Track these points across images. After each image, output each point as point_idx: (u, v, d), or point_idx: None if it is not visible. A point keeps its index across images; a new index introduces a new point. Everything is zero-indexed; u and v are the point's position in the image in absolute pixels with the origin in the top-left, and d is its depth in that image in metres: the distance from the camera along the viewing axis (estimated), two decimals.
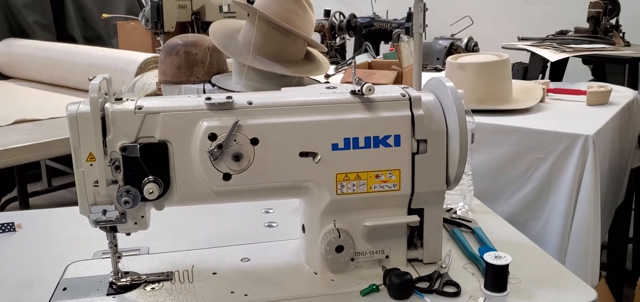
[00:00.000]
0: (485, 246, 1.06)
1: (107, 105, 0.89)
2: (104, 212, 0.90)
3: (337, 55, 3.26)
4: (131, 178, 0.88)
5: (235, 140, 0.88)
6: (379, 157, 0.93)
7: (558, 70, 2.47)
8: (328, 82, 2.09)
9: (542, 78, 2.44)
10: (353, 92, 0.94)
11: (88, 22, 4.05)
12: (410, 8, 3.02)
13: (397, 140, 0.93)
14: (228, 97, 0.90)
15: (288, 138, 0.90)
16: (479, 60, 1.69)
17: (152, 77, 2.44)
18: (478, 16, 2.91)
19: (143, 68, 2.79)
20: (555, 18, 3.25)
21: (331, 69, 2.50)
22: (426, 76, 1.65)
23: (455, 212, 1.22)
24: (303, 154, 0.91)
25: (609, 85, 1.79)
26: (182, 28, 3.46)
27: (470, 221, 1.16)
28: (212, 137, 0.88)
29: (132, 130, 0.88)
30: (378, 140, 0.92)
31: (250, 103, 0.91)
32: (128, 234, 0.96)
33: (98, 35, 4.05)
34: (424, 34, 1.34)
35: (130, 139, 0.88)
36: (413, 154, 0.94)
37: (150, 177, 0.89)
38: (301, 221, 1.03)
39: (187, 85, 2.16)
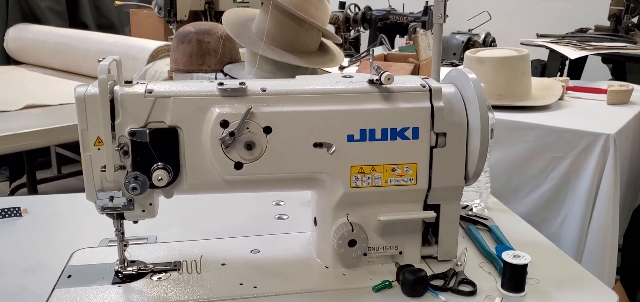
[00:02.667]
0: (503, 245, 1.02)
1: (116, 88, 0.86)
2: (111, 198, 0.88)
3: (351, 48, 3.22)
4: (140, 164, 0.86)
5: (247, 128, 0.85)
6: (396, 150, 0.89)
7: (576, 68, 2.42)
8: (343, 68, 2.05)
9: (561, 76, 2.39)
10: (371, 82, 0.90)
11: (101, 10, 4.04)
12: (427, 1, 2.97)
13: (416, 132, 0.89)
14: (241, 83, 0.87)
15: (302, 128, 0.87)
16: (498, 54, 1.65)
17: (163, 66, 2.42)
18: (495, 12, 2.86)
19: (155, 56, 2.77)
20: (573, 16, 3.19)
21: (345, 61, 2.47)
22: (443, 71, 1.61)
23: (471, 210, 1.18)
24: (317, 145, 0.88)
25: (631, 85, 1.75)
26: (195, 17, 3.44)
27: (487, 219, 1.12)
28: (224, 124, 0.85)
29: (141, 115, 0.85)
30: (395, 132, 0.89)
31: (263, 90, 0.88)
32: (135, 221, 0.93)
33: (111, 23, 4.04)
34: (443, 24, 1.30)
35: (139, 123, 0.85)
36: (431, 148, 0.90)
37: (159, 163, 0.86)
38: (313, 213, 1.00)
39: (198, 74, 2.14)
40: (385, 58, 1.91)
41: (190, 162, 0.87)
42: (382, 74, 0.88)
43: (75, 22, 3.87)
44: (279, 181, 0.91)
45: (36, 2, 3.68)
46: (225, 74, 2.06)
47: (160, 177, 0.85)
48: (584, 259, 1.39)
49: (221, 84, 0.87)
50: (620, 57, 2.10)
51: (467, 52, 1.71)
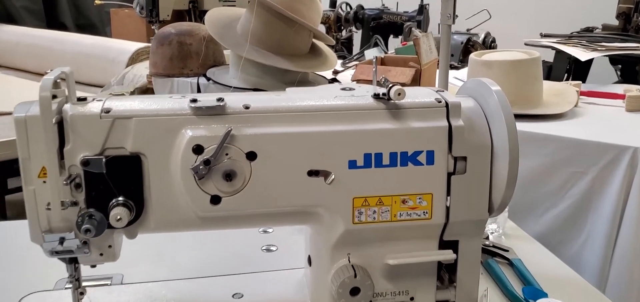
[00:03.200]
0: (530, 285, 0.87)
1: (66, 107, 0.70)
2: (61, 241, 0.72)
3: (344, 49, 3.07)
4: (95, 199, 0.70)
5: (227, 154, 0.69)
6: (407, 178, 0.74)
7: (582, 70, 2.29)
8: (336, 79, 1.90)
9: (568, 77, 2.26)
10: (376, 96, 0.75)
11: (80, 9, 3.86)
12: (422, 0, 2.82)
13: (430, 157, 0.74)
14: (219, 99, 0.71)
15: (294, 152, 0.71)
16: (507, 57, 1.51)
17: (143, 69, 2.25)
18: (495, 11, 2.72)
19: (135, 58, 2.61)
20: (575, 15, 3.06)
21: (338, 63, 2.31)
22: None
23: (487, 238, 1.04)
24: (312, 173, 0.72)
25: None
26: (178, 17, 3.27)
27: (507, 250, 0.98)
28: (198, 150, 0.69)
29: (97, 140, 0.69)
30: (406, 157, 0.73)
31: (247, 107, 0.72)
32: (93, 266, 0.77)
33: (91, 22, 3.87)
34: (453, 24, 1.16)
35: (94, 150, 0.69)
36: (449, 175, 0.75)
37: (119, 198, 0.70)
38: (307, 250, 0.85)
39: (180, 79, 1.98)
40: (382, 62, 1.76)
41: (156, 196, 0.71)
42: (390, 87, 0.72)
43: (53, 22, 3.70)
44: (265, 217, 0.76)
45: (11, 1, 3.49)
46: (208, 78, 1.90)
47: (119, 217, 0.69)
48: (609, 286, 1.25)
49: (194, 100, 0.71)
50: (634, 59, 1.96)
51: (472, 55, 1.57)
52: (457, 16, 1.13)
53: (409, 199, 0.75)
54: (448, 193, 0.75)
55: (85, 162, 0.69)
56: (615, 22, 2.28)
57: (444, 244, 0.79)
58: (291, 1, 1.77)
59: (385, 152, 0.73)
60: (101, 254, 0.74)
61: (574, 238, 1.31)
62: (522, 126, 1.38)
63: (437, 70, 1.25)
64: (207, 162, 0.68)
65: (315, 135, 0.72)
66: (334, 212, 0.74)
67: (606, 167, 1.25)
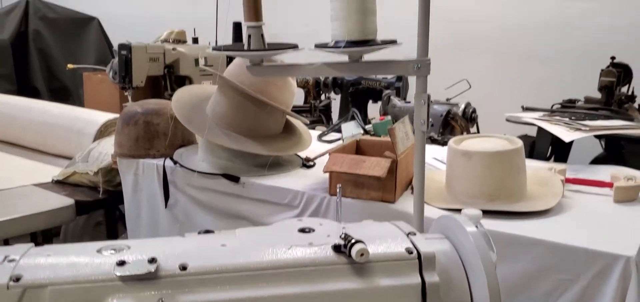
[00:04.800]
0: None
1: None
2: None
3: (322, 116, 2.99)
4: None
5: None
6: None
7: (565, 145, 2.21)
8: (310, 161, 1.80)
9: (550, 154, 2.18)
10: (337, 249, 0.65)
11: (53, 72, 3.77)
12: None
13: None
14: (151, 261, 0.61)
15: None
16: (487, 147, 1.42)
17: (109, 145, 2.14)
18: (475, 79, 2.66)
19: (103, 131, 2.50)
20: (558, 85, 3.02)
21: (314, 135, 2.22)
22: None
23: None
24: None
25: (638, 177, 1.54)
26: (153, 82, 3.18)
27: None
28: None
29: None
30: None
31: (183, 268, 0.61)
32: None
33: (64, 86, 3.77)
34: (427, 131, 1.07)
35: None
36: None
37: None
38: None
39: (145, 161, 1.87)
40: (358, 145, 1.67)
41: None
42: (351, 243, 0.62)
43: (25, 86, 3.59)
44: None
45: None
46: (175, 162, 1.79)
47: None
48: None
49: (122, 262, 0.60)
50: (619, 138, 1.90)
51: (451, 143, 1.48)
52: (432, 124, 1.04)
53: None
54: None
55: None
56: (598, 95, 2.23)
57: None
58: (263, 84, 1.68)
59: None
60: None
61: None
62: (506, 226, 1.29)
63: (412, 196, 1.16)
64: None
65: (265, 300, 0.61)
66: None
67: (597, 276, 1.15)
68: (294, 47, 1.01)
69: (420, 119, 1.03)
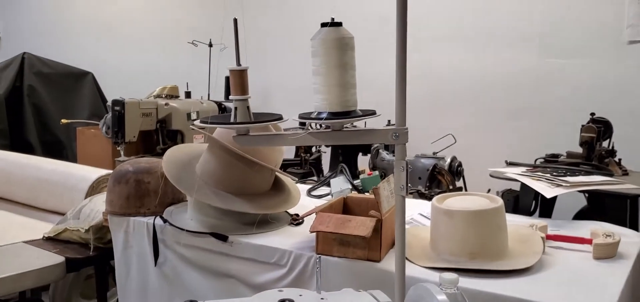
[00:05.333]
0: None
1: None
2: None
3: (313, 169, 3.03)
4: None
5: None
6: None
7: (549, 201, 2.26)
8: (299, 219, 1.84)
9: (535, 207, 2.23)
10: None
11: (47, 127, 3.82)
12: (389, 121, 2.83)
13: None
14: None
15: None
16: (469, 206, 1.47)
17: (100, 203, 2.17)
18: (460, 132, 2.73)
19: (95, 187, 2.53)
20: (541, 139, 3.10)
21: (304, 189, 2.26)
22: (408, 203, 1.43)
23: None
24: None
25: (616, 234, 1.58)
26: (145, 137, 3.23)
27: None
28: None
29: None
30: None
31: None
32: None
33: (57, 139, 3.82)
34: (406, 195, 1.11)
35: None
36: None
37: None
38: None
39: (136, 219, 1.90)
40: (345, 204, 1.71)
41: None
42: None
43: (19, 141, 3.64)
44: None
45: None
46: (165, 220, 1.82)
47: None
48: None
49: None
50: (599, 193, 1.95)
51: (434, 201, 1.52)
52: (410, 192, 1.08)
53: None
54: None
55: None
56: (580, 149, 2.29)
57: None
58: None
59: None
60: None
61: None
62: (487, 285, 1.32)
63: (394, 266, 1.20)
64: None
65: None
66: None
67: None
68: (279, 118, 1.06)
69: (399, 185, 1.08)
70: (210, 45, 4.23)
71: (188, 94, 3.74)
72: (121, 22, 5.25)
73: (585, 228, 1.70)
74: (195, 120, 3.32)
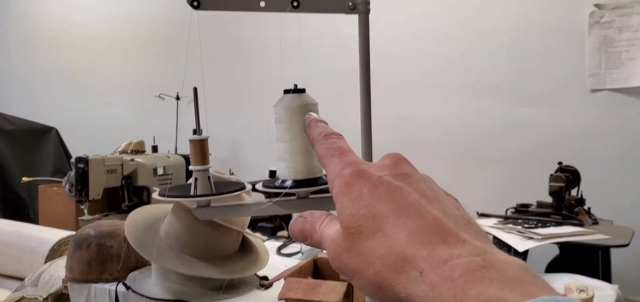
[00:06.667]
0: None
1: None
2: None
3: (283, 224, 2.97)
4: None
5: None
6: None
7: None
8: (267, 281, 1.78)
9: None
10: None
11: (9, 184, 3.69)
12: None
13: None
14: None
15: None
16: None
17: (60, 268, 2.07)
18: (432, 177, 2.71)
19: (56, 250, 2.43)
20: (511, 189, 3.11)
21: (274, 247, 2.20)
22: None
23: None
24: None
25: (590, 288, 1.56)
26: (110, 194, 3.14)
27: None
28: None
29: None
30: None
31: None
32: None
33: (19, 198, 3.69)
34: None
35: None
36: None
37: None
38: None
39: (97, 285, 1.81)
40: (315, 267, 1.66)
41: None
42: None
43: None
44: None
45: None
46: (128, 287, 1.74)
47: None
48: None
49: None
50: (570, 244, 1.94)
51: None
52: None
53: None
54: None
55: None
56: (549, 198, 2.30)
57: None
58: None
59: None
60: None
61: None
62: None
63: None
64: None
65: None
66: None
67: None
68: (242, 188, 1.01)
69: None
70: (178, 98, 4.19)
71: (155, 148, 3.67)
72: (87, 74, 5.18)
73: (559, 281, 1.68)
74: (162, 176, 3.26)
